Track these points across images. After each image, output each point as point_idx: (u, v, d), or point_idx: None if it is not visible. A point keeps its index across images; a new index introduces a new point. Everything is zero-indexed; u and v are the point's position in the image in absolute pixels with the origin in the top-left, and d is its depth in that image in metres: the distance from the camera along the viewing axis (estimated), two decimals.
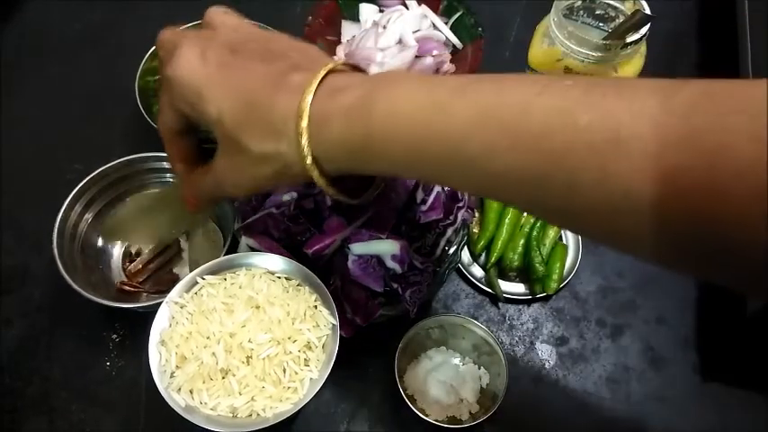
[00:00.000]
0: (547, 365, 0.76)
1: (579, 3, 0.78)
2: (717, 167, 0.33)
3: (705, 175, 0.33)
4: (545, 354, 0.76)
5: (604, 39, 0.73)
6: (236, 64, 0.51)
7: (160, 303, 0.65)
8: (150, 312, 0.65)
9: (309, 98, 0.46)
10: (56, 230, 0.72)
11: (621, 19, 0.76)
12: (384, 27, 0.92)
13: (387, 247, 0.67)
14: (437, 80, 0.47)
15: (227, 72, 0.51)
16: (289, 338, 0.63)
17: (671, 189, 0.34)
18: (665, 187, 0.34)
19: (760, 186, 0.31)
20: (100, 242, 0.79)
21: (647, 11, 0.74)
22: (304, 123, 0.46)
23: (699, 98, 0.36)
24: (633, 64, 0.76)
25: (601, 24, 0.74)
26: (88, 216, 0.77)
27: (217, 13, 0.57)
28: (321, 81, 0.47)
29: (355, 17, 0.98)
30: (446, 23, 0.96)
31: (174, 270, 0.79)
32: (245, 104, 0.49)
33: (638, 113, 0.36)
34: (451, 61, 0.92)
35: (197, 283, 0.67)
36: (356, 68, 0.52)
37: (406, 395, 0.68)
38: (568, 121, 0.38)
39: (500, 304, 0.80)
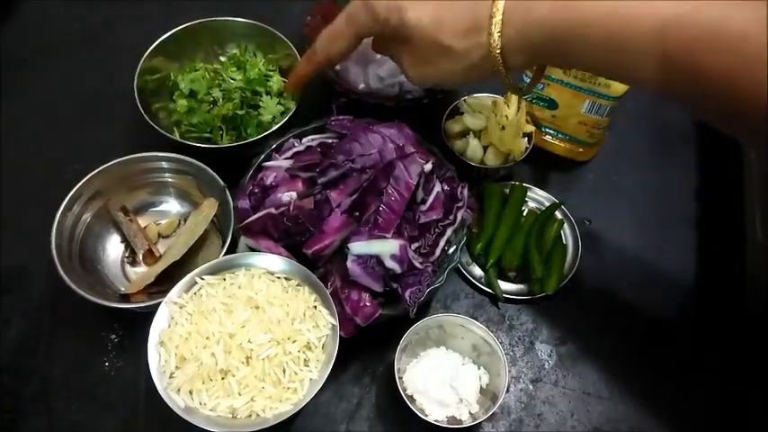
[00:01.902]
0: (546, 365, 0.76)
1: None
2: None
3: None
4: (545, 354, 0.76)
5: None
6: None
7: (159, 304, 0.65)
8: (149, 312, 0.65)
9: None
10: (54, 230, 0.72)
11: None
12: None
13: (386, 247, 0.67)
14: None
15: None
16: (288, 339, 0.63)
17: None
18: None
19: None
20: (98, 242, 0.79)
21: None
22: (499, 16, 0.54)
23: None
24: None
25: None
26: (87, 216, 0.77)
27: None
28: None
29: None
30: None
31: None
32: (445, 9, 0.57)
33: None
34: None
35: (196, 283, 0.67)
36: None
37: (406, 395, 0.68)
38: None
39: (500, 304, 0.79)
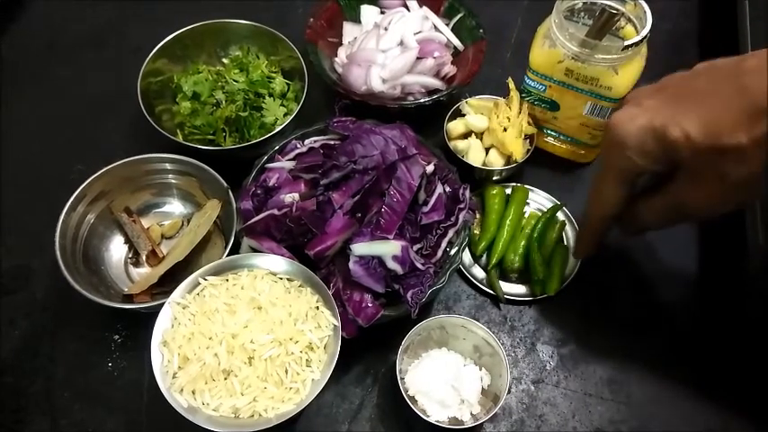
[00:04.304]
0: (548, 366, 0.76)
1: (580, 4, 0.78)
2: None
3: None
4: (546, 355, 0.77)
5: (586, 35, 0.73)
6: (671, 96, 0.51)
7: (162, 304, 0.65)
8: (152, 313, 0.65)
9: None
10: (58, 231, 0.72)
11: (623, 22, 0.76)
12: (385, 29, 0.93)
13: (388, 248, 0.68)
14: None
15: (669, 102, 0.51)
16: (290, 339, 0.64)
17: None
18: None
19: None
20: (102, 243, 0.79)
21: (647, 12, 0.74)
22: None
23: None
24: (634, 65, 0.76)
25: None
26: (90, 217, 0.77)
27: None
28: None
29: (357, 19, 0.98)
30: (447, 25, 0.96)
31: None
32: (710, 107, 0.48)
33: None
34: (453, 63, 0.93)
35: (199, 283, 0.67)
36: None
37: (408, 396, 0.68)
38: None
39: (501, 305, 0.80)
